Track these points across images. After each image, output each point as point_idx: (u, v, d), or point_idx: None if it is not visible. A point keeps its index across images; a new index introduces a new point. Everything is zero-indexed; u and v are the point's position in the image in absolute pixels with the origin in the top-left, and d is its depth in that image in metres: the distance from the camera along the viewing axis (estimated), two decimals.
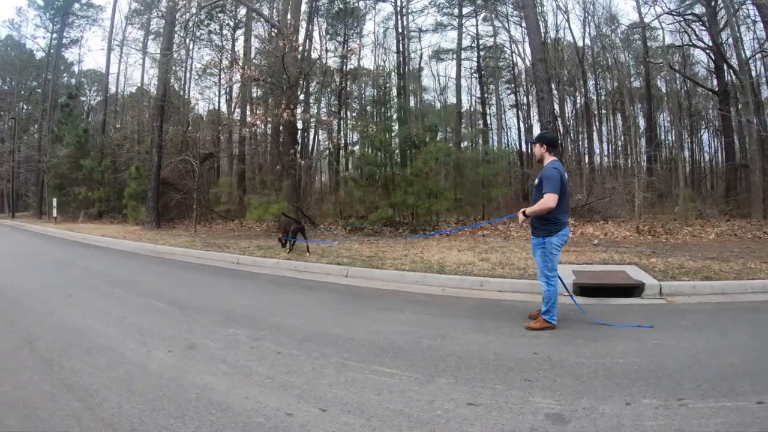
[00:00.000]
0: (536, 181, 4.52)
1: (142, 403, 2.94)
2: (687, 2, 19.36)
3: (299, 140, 15.65)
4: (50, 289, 6.83)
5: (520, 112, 29.46)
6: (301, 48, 13.37)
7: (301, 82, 14.03)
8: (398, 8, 26.43)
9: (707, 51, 19.29)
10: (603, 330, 4.36)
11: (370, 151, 13.72)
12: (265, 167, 18.32)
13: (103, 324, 4.96)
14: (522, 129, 28.66)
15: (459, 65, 27.05)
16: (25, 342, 4.31)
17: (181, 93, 25.16)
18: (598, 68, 26.28)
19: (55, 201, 22.93)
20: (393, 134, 13.58)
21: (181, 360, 3.80)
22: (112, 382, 3.32)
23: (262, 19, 24.69)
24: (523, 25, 24.13)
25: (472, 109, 31.36)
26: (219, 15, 25.94)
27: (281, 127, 14.12)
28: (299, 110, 12.60)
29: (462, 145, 19.64)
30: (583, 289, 5.73)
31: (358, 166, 13.82)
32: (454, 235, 12.53)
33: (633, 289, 5.79)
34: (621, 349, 3.82)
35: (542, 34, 23.88)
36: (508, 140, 28.27)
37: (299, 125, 14.26)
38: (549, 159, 4.49)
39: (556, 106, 25.41)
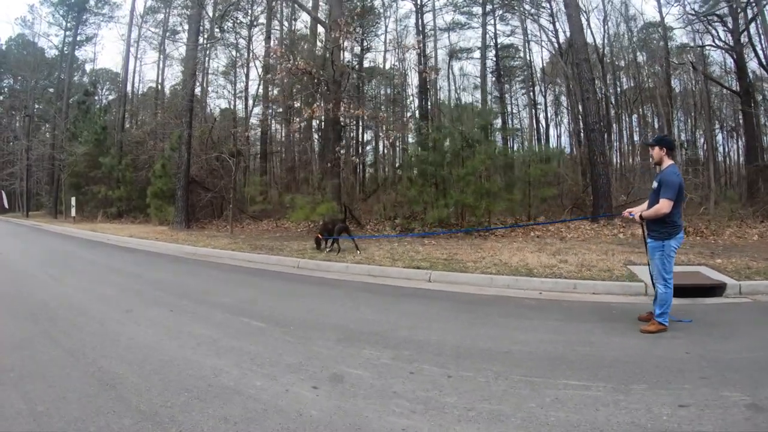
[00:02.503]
0: (654, 184, 4.35)
1: None
2: (711, 2, 18.98)
3: (343, 137, 14.22)
4: (104, 303, 5.46)
5: (534, 111, 28.28)
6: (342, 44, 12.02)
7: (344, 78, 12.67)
8: (418, 5, 25.30)
9: (730, 52, 18.42)
10: (713, 328, 4.35)
11: (421, 149, 12.33)
12: (300, 166, 16.89)
13: (193, 351, 3.70)
14: (542, 128, 27.70)
15: (484, 64, 25.86)
16: (106, 386, 3.01)
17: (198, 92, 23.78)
18: (616, 69, 25.24)
19: (73, 200, 21.39)
20: (446, 132, 12.21)
21: (342, 399, 2.87)
22: None
23: (277, 19, 23.58)
24: (541, 22, 23.44)
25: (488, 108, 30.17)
26: (235, 14, 24.65)
27: (323, 125, 12.73)
28: (343, 107, 11.19)
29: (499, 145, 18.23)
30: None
31: (413, 165, 12.41)
32: (508, 236, 11.60)
33: (716, 289, 5.75)
34: (745, 344, 3.87)
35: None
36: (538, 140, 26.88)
37: (343, 122, 12.90)
38: (668, 162, 4.33)
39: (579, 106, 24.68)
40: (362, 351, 3.71)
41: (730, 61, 21.24)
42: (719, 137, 26.34)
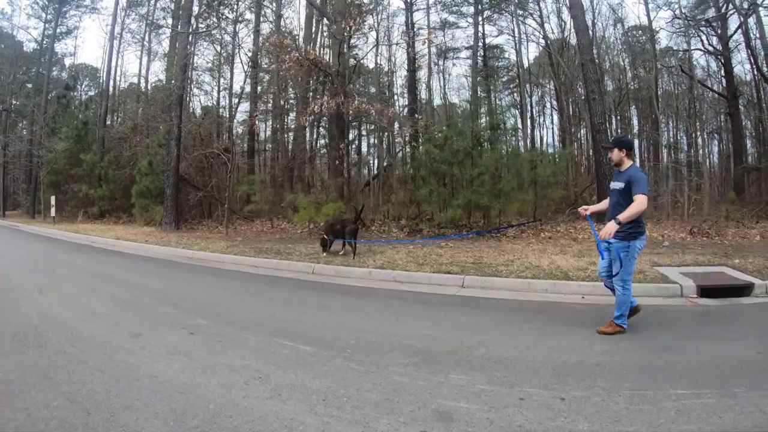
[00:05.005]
0: (620, 185, 4.15)
1: None
2: (701, 7, 19.21)
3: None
4: (103, 322, 4.48)
5: (522, 110, 27.86)
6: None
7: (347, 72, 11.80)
8: (408, 3, 24.51)
9: (719, 56, 18.52)
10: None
11: (432, 147, 11.55)
12: (295, 164, 15.83)
13: (243, 392, 2.87)
14: (528, 128, 27.35)
15: (476, 63, 25.21)
16: None
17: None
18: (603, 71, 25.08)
19: (53, 199, 19.86)
20: (456, 131, 11.48)
21: None
22: None
23: (265, 15, 22.44)
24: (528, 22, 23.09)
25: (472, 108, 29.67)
26: (220, 9, 23.42)
27: (327, 121, 11.83)
28: (357, 101, 10.32)
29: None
30: (704, 291, 5.54)
31: (424, 164, 11.61)
32: (519, 237, 11.14)
33: (743, 289, 5.67)
34: None
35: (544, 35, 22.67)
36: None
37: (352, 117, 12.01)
38: (628, 163, 4.22)
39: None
40: (449, 376, 3.10)
41: (713, 65, 21.55)
42: (699, 140, 26.59)
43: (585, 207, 4.62)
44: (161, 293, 5.87)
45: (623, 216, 3.93)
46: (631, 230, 4.03)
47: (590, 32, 23.41)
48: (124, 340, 3.91)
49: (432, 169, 11.23)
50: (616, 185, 4.20)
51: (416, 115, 14.15)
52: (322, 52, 10.59)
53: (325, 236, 8.77)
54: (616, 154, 4.23)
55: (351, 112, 11.37)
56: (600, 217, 5.52)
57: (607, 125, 15.99)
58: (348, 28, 10.20)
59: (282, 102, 14.79)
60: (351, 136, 18.13)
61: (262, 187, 13.73)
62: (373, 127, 15.95)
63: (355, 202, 11.70)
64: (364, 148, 23.19)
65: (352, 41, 24.24)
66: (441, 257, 8.03)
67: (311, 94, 12.02)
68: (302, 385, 2.96)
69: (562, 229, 11.99)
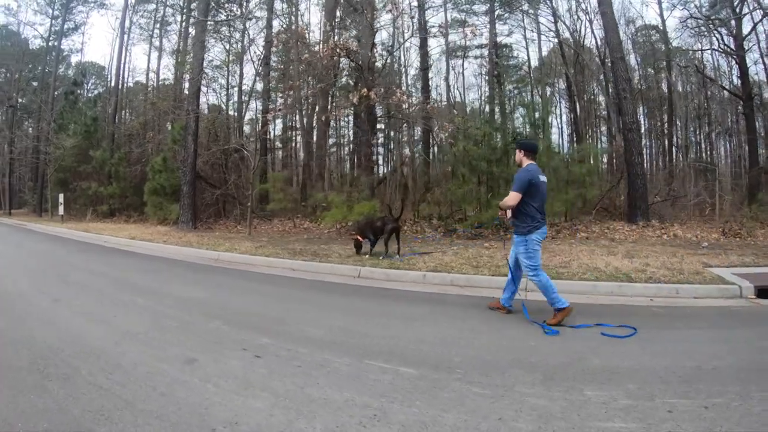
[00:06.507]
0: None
1: None
2: (715, 7, 18.48)
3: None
4: (140, 344, 3.56)
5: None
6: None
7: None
8: (420, 2, 23.61)
9: (733, 56, 17.89)
10: None
11: (472, 144, 10.65)
12: (316, 162, 14.84)
13: None
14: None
15: (492, 61, 24.33)
16: None
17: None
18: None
19: (61, 197, 18.87)
20: (494, 128, 10.63)
21: None
22: None
23: (275, 11, 21.44)
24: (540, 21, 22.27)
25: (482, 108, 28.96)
26: (229, 6, 22.48)
27: (355, 117, 10.92)
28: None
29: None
30: (760, 291, 5.34)
31: (462, 162, 10.68)
32: (556, 237, 10.58)
33: None
34: None
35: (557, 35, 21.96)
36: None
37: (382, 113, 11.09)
38: (526, 163, 4.45)
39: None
40: (585, 393, 2.70)
41: (724, 65, 21.24)
42: (709, 140, 25.84)
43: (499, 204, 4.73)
44: (201, 304, 4.90)
45: (501, 203, 4.48)
46: (524, 225, 4.30)
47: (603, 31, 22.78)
48: (177, 369, 2.98)
49: (471, 166, 10.32)
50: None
51: (454, 111, 13.21)
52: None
53: (359, 237, 7.86)
54: (518, 156, 4.54)
55: (385, 106, 10.41)
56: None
57: (640, 123, 15.20)
58: (377, 18, 9.23)
59: (303, 97, 13.80)
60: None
61: (286, 185, 12.76)
62: (402, 124, 14.96)
63: (388, 200, 10.76)
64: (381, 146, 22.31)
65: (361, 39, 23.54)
66: (492, 259, 7.25)
67: (335, 89, 11.05)
68: (434, 422, 2.30)
69: (597, 229, 11.50)
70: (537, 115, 11.70)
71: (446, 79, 21.37)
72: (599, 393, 2.70)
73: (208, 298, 5.20)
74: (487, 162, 10.29)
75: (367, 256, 7.69)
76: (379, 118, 11.79)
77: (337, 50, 9.32)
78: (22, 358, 3.15)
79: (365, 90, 9.09)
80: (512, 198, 4.28)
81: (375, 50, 10.05)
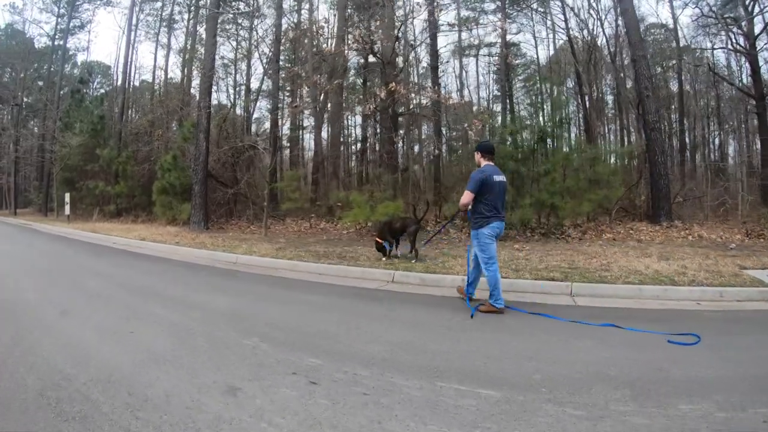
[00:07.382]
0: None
1: None
2: (727, 5, 18.18)
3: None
4: (185, 374, 2.98)
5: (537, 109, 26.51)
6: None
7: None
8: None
9: (746, 55, 17.46)
10: None
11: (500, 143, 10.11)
12: (330, 160, 14.25)
13: None
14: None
15: (505, 60, 23.72)
16: None
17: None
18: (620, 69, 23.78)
19: (68, 196, 18.30)
20: (521, 126, 10.09)
21: None
22: None
23: (285, 12, 20.82)
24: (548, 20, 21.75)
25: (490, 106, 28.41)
26: (236, 3, 21.91)
27: (378, 114, 10.37)
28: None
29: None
30: None
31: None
32: (582, 238, 10.20)
33: None
34: None
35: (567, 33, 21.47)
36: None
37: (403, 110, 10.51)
38: (483, 163, 4.63)
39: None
40: (679, 408, 2.46)
41: (734, 64, 21.09)
42: (718, 139, 25.27)
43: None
44: (229, 315, 4.31)
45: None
46: (476, 221, 4.52)
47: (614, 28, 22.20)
48: (219, 402, 2.42)
49: (499, 166, 9.79)
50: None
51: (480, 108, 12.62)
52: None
53: (379, 239, 7.30)
54: (477, 157, 4.76)
55: (408, 102, 9.83)
56: None
57: (663, 122, 14.66)
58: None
59: (320, 92, 13.20)
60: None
61: (302, 184, 12.18)
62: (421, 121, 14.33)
63: (412, 199, 10.19)
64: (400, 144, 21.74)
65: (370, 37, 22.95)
66: (529, 261, 6.85)
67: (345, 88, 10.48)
68: None
69: (621, 230, 11.10)
70: (563, 113, 11.17)
71: (459, 77, 20.72)
72: (692, 407, 2.50)
73: (236, 308, 4.60)
74: (514, 161, 9.73)
75: (392, 258, 7.16)
76: (400, 115, 11.25)
77: (359, 43, 8.73)
78: (29, 388, 2.59)
79: (393, 84, 8.49)
80: (465, 196, 4.48)
81: (399, 43, 9.42)
